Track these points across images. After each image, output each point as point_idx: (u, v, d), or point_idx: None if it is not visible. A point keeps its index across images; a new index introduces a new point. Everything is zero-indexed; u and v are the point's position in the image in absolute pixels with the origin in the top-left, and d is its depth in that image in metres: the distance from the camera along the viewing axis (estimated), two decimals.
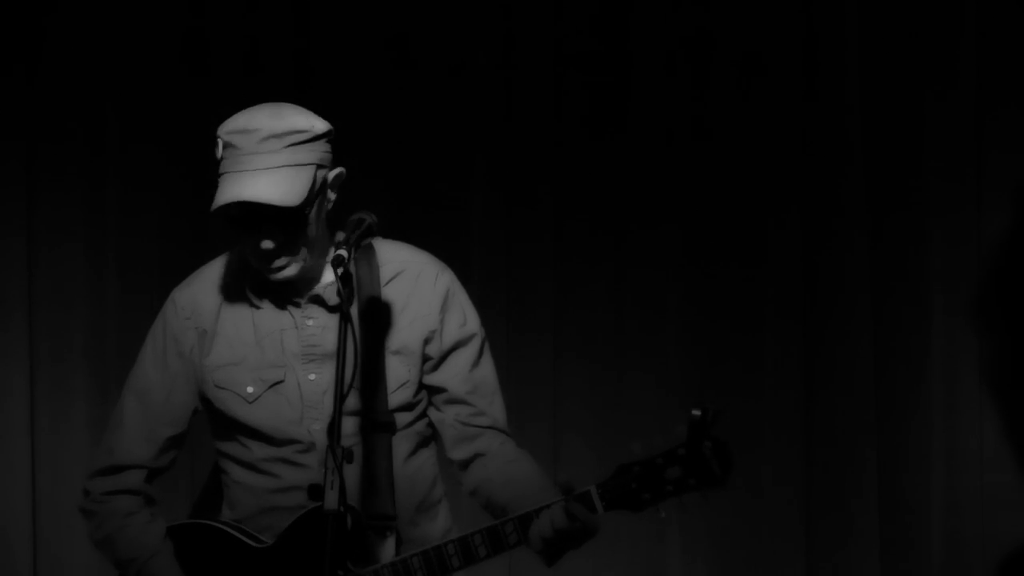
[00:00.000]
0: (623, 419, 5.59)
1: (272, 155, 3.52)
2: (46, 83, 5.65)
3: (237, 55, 5.68)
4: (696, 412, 3.32)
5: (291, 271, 3.60)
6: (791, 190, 5.62)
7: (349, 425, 3.60)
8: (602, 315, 5.65)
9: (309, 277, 3.66)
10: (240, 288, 3.70)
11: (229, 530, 3.68)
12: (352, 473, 3.57)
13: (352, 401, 3.60)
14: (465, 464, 3.70)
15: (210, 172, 5.64)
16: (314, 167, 3.56)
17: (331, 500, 3.35)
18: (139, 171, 5.68)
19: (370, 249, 3.69)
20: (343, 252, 3.46)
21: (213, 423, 3.75)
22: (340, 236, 3.51)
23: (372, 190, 5.38)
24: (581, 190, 5.66)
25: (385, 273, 3.68)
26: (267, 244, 3.55)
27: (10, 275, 5.64)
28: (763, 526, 5.59)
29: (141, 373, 3.78)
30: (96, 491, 3.78)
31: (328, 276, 3.65)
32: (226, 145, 3.54)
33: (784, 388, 5.60)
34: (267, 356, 3.66)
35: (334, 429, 3.38)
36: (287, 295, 3.67)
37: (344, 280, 3.44)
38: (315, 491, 3.47)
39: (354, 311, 3.60)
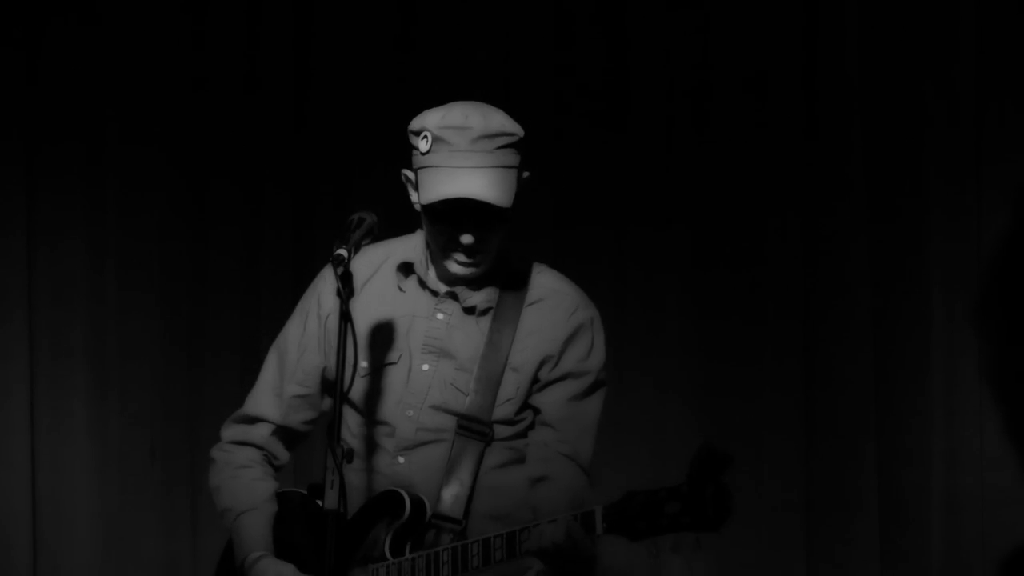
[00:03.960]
0: (623, 419, 5.59)
1: (486, 155, 3.61)
2: (46, 83, 5.65)
3: (237, 55, 5.68)
4: (705, 451, 3.30)
5: (478, 270, 3.67)
6: (791, 190, 5.62)
7: (447, 423, 3.67)
8: (602, 314, 5.64)
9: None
10: (392, 268, 3.76)
11: (315, 501, 3.72)
12: (436, 469, 3.65)
13: (460, 403, 3.67)
14: (533, 483, 3.71)
15: (210, 172, 5.71)
16: (517, 170, 3.66)
17: (331, 500, 3.35)
18: (139, 171, 5.68)
19: (526, 271, 3.76)
20: (343, 252, 3.49)
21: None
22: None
23: (371, 189, 5.38)
24: (581, 189, 5.66)
25: (531, 296, 3.74)
26: (468, 239, 3.61)
27: (10, 274, 5.64)
28: (763, 526, 5.59)
29: (285, 331, 3.86)
30: (226, 438, 3.86)
31: (482, 278, 3.72)
32: (436, 139, 3.61)
33: (784, 388, 5.60)
34: (391, 337, 3.71)
35: (334, 429, 3.39)
36: (429, 284, 3.73)
37: (344, 280, 3.46)
38: (315, 490, 3.48)
39: (486, 323, 3.69)
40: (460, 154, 3.60)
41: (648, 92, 5.65)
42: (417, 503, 3.61)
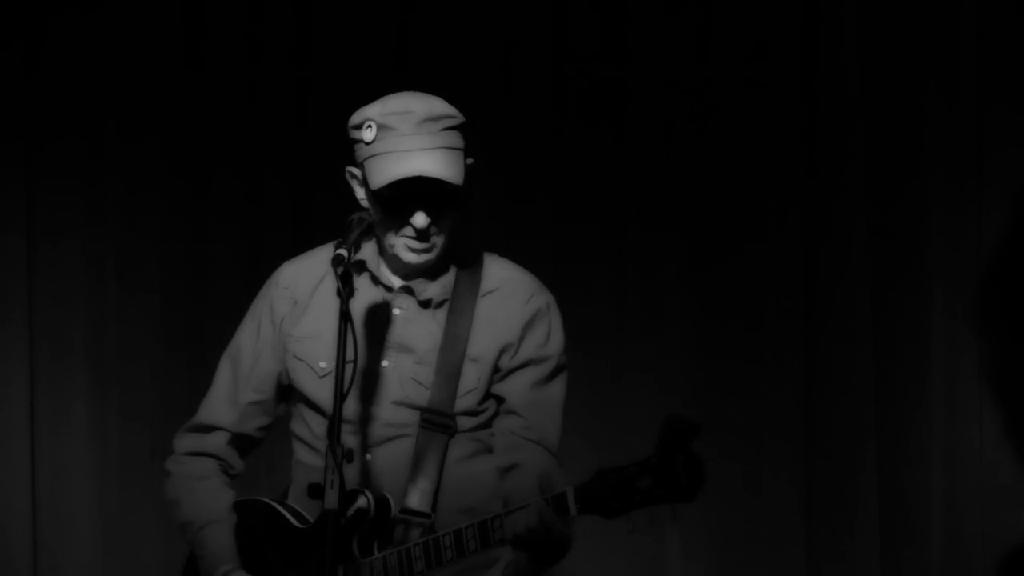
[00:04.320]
0: (623, 419, 5.59)
1: (432, 136, 3.61)
2: (46, 83, 5.66)
3: (237, 55, 5.68)
4: (673, 422, 3.28)
5: (431, 256, 3.66)
6: (791, 190, 5.62)
7: (410, 418, 3.67)
8: (602, 315, 5.66)
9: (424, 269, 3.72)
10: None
11: (278, 508, 3.74)
12: (402, 464, 3.65)
13: (421, 396, 3.67)
14: (503, 473, 3.72)
15: (210, 172, 5.71)
16: (463, 153, 3.65)
17: (331, 499, 3.36)
18: (139, 171, 5.69)
19: (478, 261, 3.76)
20: (343, 252, 3.51)
21: (291, 401, 3.82)
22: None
23: None
24: (581, 189, 5.66)
25: (484, 286, 3.74)
26: (422, 219, 3.60)
27: (10, 275, 5.64)
28: (763, 526, 5.59)
29: (237, 338, 3.87)
30: (180, 449, 3.85)
31: (436, 270, 3.72)
32: (381, 127, 3.61)
33: (784, 387, 5.60)
34: (353, 326, 3.68)
35: (334, 429, 3.39)
36: (383, 280, 3.73)
37: (344, 280, 3.46)
38: (315, 490, 3.48)
39: (442, 315, 3.69)
40: (407, 137, 3.60)
41: (648, 92, 5.65)
42: (381, 500, 3.61)
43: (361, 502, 3.59)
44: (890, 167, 5.61)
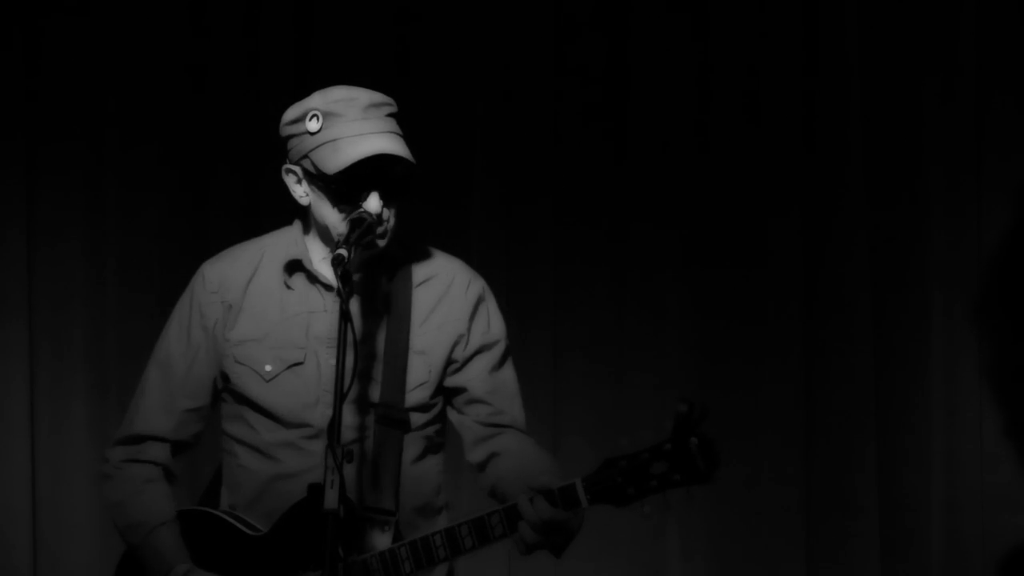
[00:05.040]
0: (623, 419, 5.59)
1: (379, 120, 3.62)
2: (46, 83, 5.65)
3: (238, 55, 5.68)
4: (682, 407, 3.28)
5: (384, 241, 3.64)
6: (791, 190, 5.62)
7: (363, 417, 3.64)
8: (602, 315, 5.66)
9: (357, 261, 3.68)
10: (274, 267, 3.74)
11: (226, 517, 3.70)
12: (358, 464, 3.61)
13: (371, 393, 3.64)
14: (482, 465, 3.72)
15: (210, 172, 5.71)
16: (402, 138, 3.65)
17: (331, 499, 3.35)
18: (139, 171, 5.68)
19: (403, 250, 3.73)
20: (343, 251, 3.49)
21: (226, 402, 3.77)
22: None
23: None
24: (581, 190, 5.66)
25: (417, 276, 3.73)
26: (375, 204, 3.59)
27: (10, 275, 5.64)
28: (763, 525, 5.59)
29: (165, 344, 3.79)
30: (115, 459, 3.80)
31: (371, 265, 3.70)
32: (327, 115, 3.61)
33: (784, 387, 5.60)
34: (290, 336, 3.68)
35: (334, 429, 3.38)
36: (319, 278, 3.70)
37: (344, 279, 3.45)
38: (315, 490, 3.47)
39: (382, 307, 3.67)
40: (356, 122, 3.61)
41: (648, 92, 5.65)
42: (347, 502, 3.52)
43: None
44: (890, 167, 5.61)
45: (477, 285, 3.77)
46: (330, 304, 3.69)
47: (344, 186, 3.60)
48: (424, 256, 3.77)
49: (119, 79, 5.67)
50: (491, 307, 3.78)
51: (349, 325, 3.43)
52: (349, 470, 3.53)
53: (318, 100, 3.64)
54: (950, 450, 5.57)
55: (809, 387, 5.61)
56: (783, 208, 5.62)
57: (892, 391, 5.60)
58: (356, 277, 3.66)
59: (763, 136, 5.62)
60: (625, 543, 5.58)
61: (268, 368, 3.68)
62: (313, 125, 3.62)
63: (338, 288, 3.46)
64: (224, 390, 3.75)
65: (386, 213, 3.62)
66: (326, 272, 3.69)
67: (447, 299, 3.73)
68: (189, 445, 3.81)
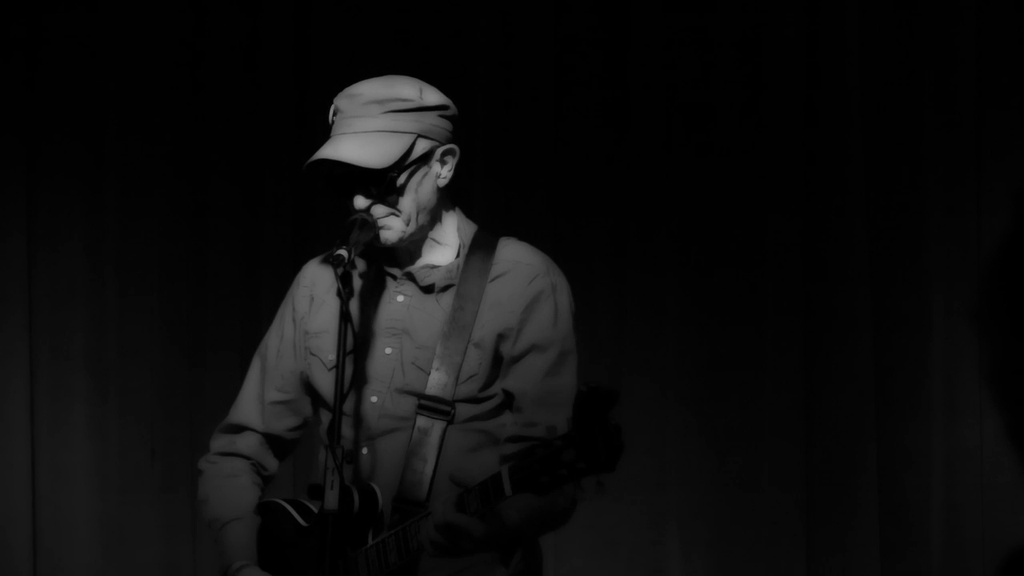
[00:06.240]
0: (622, 419, 5.57)
1: (370, 119, 3.58)
2: (46, 83, 5.66)
3: (237, 55, 5.68)
4: (583, 389, 3.17)
5: (390, 235, 3.61)
6: (791, 190, 5.62)
7: (409, 409, 3.61)
8: (602, 316, 5.65)
9: (412, 251, 3.67)
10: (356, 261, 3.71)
11: (287, 507, 3.70)
12: (399, 456, 3.58)
13: (420, 382, 3.61)
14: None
15: (210, 172, 5.71)
16: (414, 136, 3.60)
17: (331, 500, 3.35)
18: (139, 172, 5.69)
19: (493, 245, 3.70)
20: (343, 252, 3.48)
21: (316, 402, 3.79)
22: (456, 217, 3.65)
23: None
24: (580, 190, 5.66)
25: (495, 270, 3.67)
26: (361, 201, 3.57)
27: (10, 275, 5.64)
28: (763, 526, 5.59)
29: (266, 337, 3.84)
30: (213, 449, 3.83)
31: (430, 256, 3.69)
32: (335, 110, 3.62)
33: (784, 388, 5.60)
34: (354, 326, 3.65)
35: (334, 429, 3.38)
36: (388, 269, 3.69)
37: (344, 280, 3.45)
38: (315, 491, 3.47)
39: (447, 301, 3.63)
40: (346, 120, 3.59)
41: (648, 92, 5.64)
42: (367, 492, 3.54)
43: (348, 496, 3.54)
44: (890, 168, 5.61)
45: (544, 280, 3.66)
46: (391, 294, 3.68)
47: (330, 187, 3.60)
48: (508, 250, 3.71)
49: (119, 79, 5.67)
50: (560, 305, 3.66)
51: (349, 325, 3.43)
52: (392, 461, 3.56)
53: (341, 93, 3.64)
54: (950, 450, 5.56)
55: (809, 387, 5.61)
56: (783, 208, 5.62)
57: (892, 391, 5.59)
58: (419, 268, 3.65)
59: (763, 136, 5.62)
60: (625, 543, 5.58)
61: (331, 357, 3.66)
62: (330, 118, 3.64)
63: (338, 289, 3.45)
64: (307, 385, 3.76)
65: (382, 210, 3.59)
66: (391, 262, 3.69)
67: (508, 292, 3.64)
68: (286, 441, 3.83)
